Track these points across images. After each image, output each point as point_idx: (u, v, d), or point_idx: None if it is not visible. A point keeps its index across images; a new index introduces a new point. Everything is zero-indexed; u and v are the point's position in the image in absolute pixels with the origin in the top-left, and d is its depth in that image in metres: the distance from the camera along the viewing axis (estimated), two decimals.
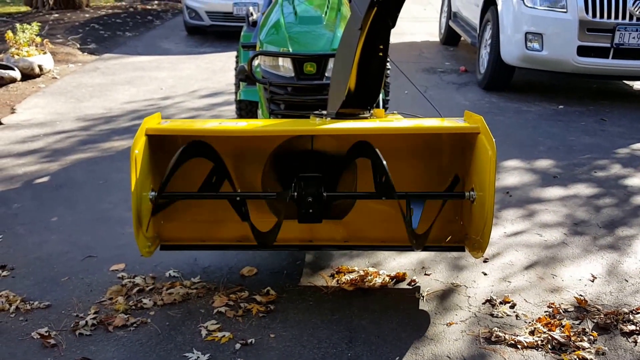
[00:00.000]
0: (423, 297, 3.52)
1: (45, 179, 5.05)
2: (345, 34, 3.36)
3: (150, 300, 3.41)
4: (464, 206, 3.55)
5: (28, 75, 8.16)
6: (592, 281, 3.72)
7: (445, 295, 3.54)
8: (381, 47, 3.27)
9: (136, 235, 3.13)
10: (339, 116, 3.45)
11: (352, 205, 3.63)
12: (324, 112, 3.58)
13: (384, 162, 3.12)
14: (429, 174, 3.61)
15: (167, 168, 3.16)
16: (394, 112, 3.94)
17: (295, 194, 3.32)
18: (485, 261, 3.89)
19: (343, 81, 3.33)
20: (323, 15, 4.33)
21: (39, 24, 9.01)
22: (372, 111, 3.56)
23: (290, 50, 4.04)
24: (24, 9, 13.88)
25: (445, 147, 3.58)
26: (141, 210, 3.13)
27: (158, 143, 3.32)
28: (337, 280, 3.67)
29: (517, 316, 3.36)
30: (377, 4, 2.97)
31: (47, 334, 3.13)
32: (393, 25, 3.20)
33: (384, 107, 4.86)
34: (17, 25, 8.62)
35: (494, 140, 3.09)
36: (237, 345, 3.08)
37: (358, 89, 3.34)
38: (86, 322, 3.22)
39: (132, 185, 3.03)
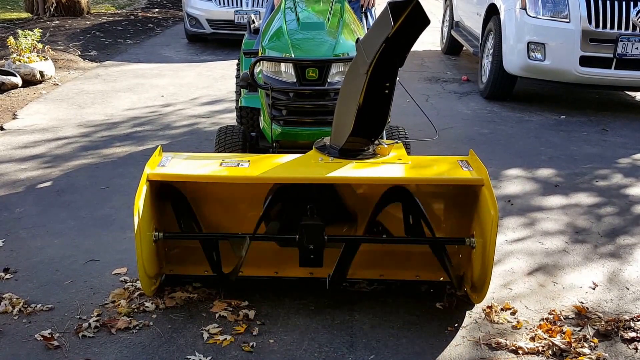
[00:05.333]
0: (424, 303, 3.52)
1: (47, 184, 5.06)
2: (350, 74, 3.38)
3: (152, 303, 3.41)
4: (463, 248, 3.56)
5: (29, 81, 8.16)
6: (593, 288, 3.73)
7: (446, 301, 3.54)
8: (387, 84, 3.29)
9: (141, 276, 3.23)
10: (343, 153, 3.50)
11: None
12: (327, 142, 3.63)
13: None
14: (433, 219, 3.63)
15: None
16: (398, 141, 3.96)
17: (297, 237, 3.38)
18: None
19: (348, 117, 3.36)
20: (325, 22, 4.35)
21: (41, 30, 9.03)
22: (375, 142, 3.59)
23: (293, 55, 4.05)
24: (24, 15, 13.89)
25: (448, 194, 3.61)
26: (145, 252, 3.20)
27: (160, 185, 3.39)
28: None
29: (518, 322, 3.36)
30: (386, 41, 2.96)
31: (50, 336, 3.13)
32: (401, 65, 3.21)
33: None
34: (19, 31, 8.64)
35: (496, 199, 3.15)
36: (239, 349, 3.09)
37: (362, 123, 3.36)
38: (89, 324, 3.22)
39: (135, 228, 3.08)
